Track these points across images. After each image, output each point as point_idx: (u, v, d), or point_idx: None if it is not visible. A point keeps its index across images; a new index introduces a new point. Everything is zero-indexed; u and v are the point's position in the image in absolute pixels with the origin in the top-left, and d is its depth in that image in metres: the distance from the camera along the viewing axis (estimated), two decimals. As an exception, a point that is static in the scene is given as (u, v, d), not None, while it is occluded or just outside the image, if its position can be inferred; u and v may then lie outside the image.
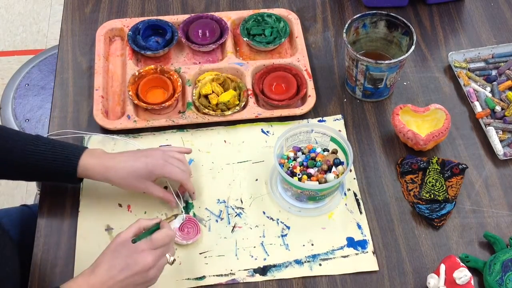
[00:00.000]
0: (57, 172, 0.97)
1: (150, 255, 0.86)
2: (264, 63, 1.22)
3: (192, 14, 1.28)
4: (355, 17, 1.16)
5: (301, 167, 1.04)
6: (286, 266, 0.99)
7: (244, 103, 1.16)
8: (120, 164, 0.97)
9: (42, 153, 0.96)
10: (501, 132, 1.14)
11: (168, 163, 0.98)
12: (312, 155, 1.05)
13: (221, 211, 1.04)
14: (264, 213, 1.04)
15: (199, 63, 1.24)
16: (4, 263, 0.91)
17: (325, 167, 1.03)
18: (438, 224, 1.03)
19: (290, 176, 1.00)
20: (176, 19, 1.28)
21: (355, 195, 1.07)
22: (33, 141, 0.97)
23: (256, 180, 1.08)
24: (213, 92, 1.16)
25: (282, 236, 1.02)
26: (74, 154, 0.97)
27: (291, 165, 1.04)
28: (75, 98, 1.18)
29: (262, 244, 1.01)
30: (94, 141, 1.11)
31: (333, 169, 1.03)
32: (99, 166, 0.97)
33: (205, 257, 0.99)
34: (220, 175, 1.09)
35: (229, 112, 1.14)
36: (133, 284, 0.85)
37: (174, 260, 0.91)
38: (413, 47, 1.11)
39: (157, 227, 0.90)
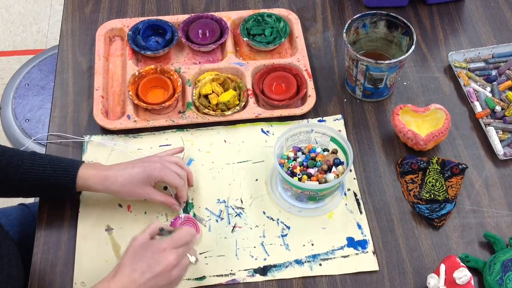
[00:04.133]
0: (56, 185, 0.96)
1: (172, 253, 0.84)
2: (264, 63, 1.22)
3: (192, 14, 1.28)
4: (355, 17, 1.16)
5: (301, 167, 1.04)
6: (286, 266, 0.99)
7: (244, 103, 1.16)
8: (118, 172, 0.97)
9: (40, 167, 0.96)
10: (501, 132, 1.14)
11: (165, 167, 0.98)
12: (312, 155, 1.05)
13: (221, 211, 1.04)
14: (264, 213, 1.04)
15: (199, 63, 1.24)
16: (11, 268, 0.91)
17: (325, 167, 1.03)
18: (438, 224, 1.03)
19: (290, 176, 0.99)
20: (176, 19, 1.28)
21: (355, 195, 1.07)
22: (30, 156, 0.97)
23: (256, 180, 1.08)
24: (213, 92, 1.16)
25: (282, 236, 1.02)
26: (73, 166, 0.97)
27: (291, 165, 1.04)
28: (75, 98, 1.18)
29: (262, 244, 1.01)
30: (94, 143, 1.11)
31: (333, 169, 1.03)
32: (98, 176, 0.97)
33: (205, 257, 0.99)
34: (220, 175, 1.09)
35: (229, 112, 1.14)
36: (156, 286, 0.83)
37: (197, 260, 0.90)
38: (413, 47, 1.11)
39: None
